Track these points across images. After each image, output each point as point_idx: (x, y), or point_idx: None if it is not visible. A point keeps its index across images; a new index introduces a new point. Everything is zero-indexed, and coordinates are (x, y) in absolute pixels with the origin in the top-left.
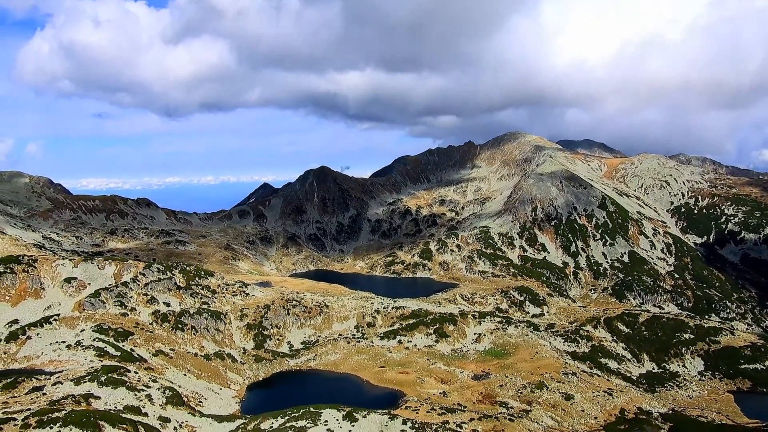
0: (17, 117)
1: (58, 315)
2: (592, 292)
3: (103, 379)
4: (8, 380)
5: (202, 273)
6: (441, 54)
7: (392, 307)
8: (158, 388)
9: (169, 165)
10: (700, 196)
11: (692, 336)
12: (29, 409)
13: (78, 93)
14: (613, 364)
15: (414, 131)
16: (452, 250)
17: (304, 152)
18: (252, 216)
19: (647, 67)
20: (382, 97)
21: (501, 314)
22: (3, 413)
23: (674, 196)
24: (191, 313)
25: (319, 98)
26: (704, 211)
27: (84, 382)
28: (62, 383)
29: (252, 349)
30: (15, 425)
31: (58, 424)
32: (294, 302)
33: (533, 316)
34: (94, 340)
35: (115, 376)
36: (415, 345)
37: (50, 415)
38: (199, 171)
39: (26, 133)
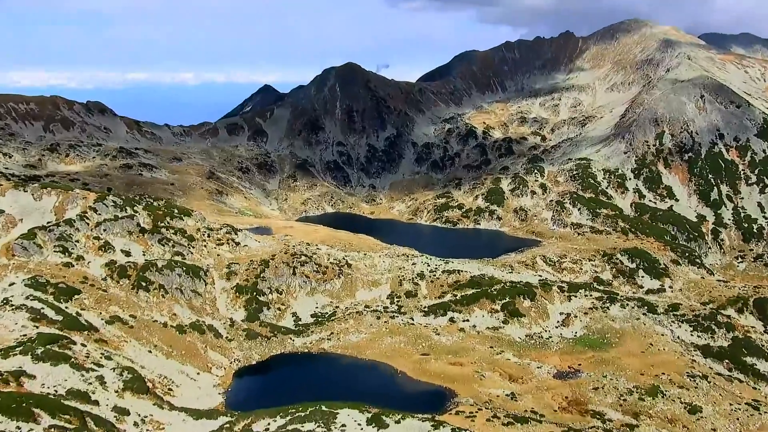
0: None
1: None
2: (739, 260)
3: (39, 352)
4: None
5: (176, 211)
6: None
7: (442, 271)
8: (113, 368)
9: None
10: None
11: None
12: None
13: None
14: (764, 366)
15: (485, 14)
16: (534, 192)
17: (324, 42)
18: (247, 132)
19: None
20: None
21: (601, 287)
22: None
23: None
24: (160, 266)
25: None
26: None
27: (13, 355)
28: None
29: (243, 320)
30: None
31: None
32: (303, 258)
33: (648, 291)
34: (27, 297)
35: (56, 349)
36: (474, 326)
37: None
38: (174, 65)
39: None
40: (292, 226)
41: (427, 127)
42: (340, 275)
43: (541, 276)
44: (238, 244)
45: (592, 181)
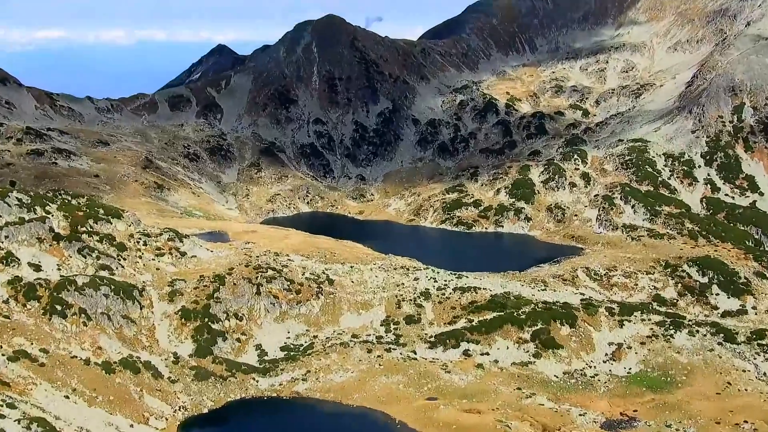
0: None
1: None
2: None
3: None
4: None
5: (101, 212)
6: None
7: (454, 289)
8: (18, 420)
9: (46, 7)
10: None
11: None
12: None
13: None
14: None
15: None
16: (573, 184)
17: None
18: (195, 107)
19: None
20: None
21: (663, 309)
22: None
23: None
24: (80, 285)
25: None
26: None
27: None
28: None
29: (190, 355)
30: None
31: None
32: (270, 273)
33: (725, 314)
34: None
35: None
36: (496, 361)
37: None
38: (99, 21)
39: None
40: (255, 230)
41: (433, 99)
42: (319, 295)
43: (583, 294)
44: (184, 254)
45: (649, 170)
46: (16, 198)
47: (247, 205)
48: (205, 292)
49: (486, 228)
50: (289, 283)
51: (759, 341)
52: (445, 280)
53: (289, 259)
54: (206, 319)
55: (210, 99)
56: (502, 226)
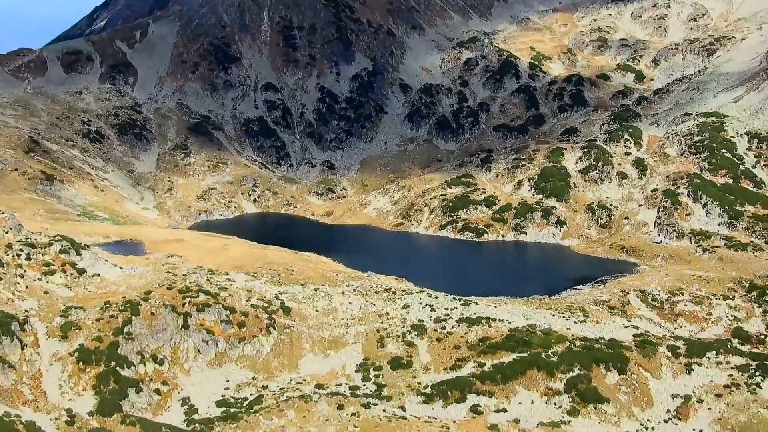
0: None
1: None
2: None
3: None
4: None
5: None
6: None
7: (458, 320)
8: None
9: None
10: None
11: None
12: None
13: None
14: None
15: None
16: (623, 175)
17: None
18: (100, 67)
19: None
20: None
21: (746, 348)
22: None
23: None
24: None
25: None
26: None
27: None
28: None
29: (91, 413)
30: None
31: None
32: (203, 298)
33: None
34: None
35: None
36: (516, 420)
37: None
38: None
39: None
40: (181, 238)
41: (430, 56)
42: (271, 329)
43: (637, 328)
44: (82, 272)
45: (727, 155)
46: None
47: (171, 204)
48: (111, 324)
49: (502, 235)
50: (228, 312)
51: None
52: (447, 309)
53: (229, 279)
54: (113, 363)
55: (119, 56)
56: (525, 233)
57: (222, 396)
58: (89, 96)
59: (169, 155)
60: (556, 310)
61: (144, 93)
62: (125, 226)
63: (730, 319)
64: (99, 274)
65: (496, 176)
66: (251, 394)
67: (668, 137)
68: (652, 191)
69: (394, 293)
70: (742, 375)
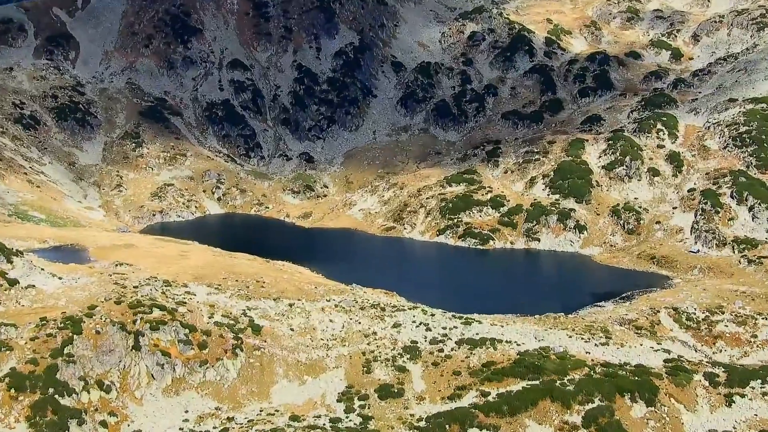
0: None
1: None
2: None
3: None
4: None
5: None
6: None
7: (458, 341)
8: None
9: None
10: None
11: None
12: None
13: None
14: None
15: None
16: (655, 171)
17: None
18: (34, 39)
19: None
20: None
21: None
22: None
23: None
24: None
25: None
26: None
27: None
28: None
29: None
30: None
31: None
32: (157, 314)
33: None
34: None
35: None
36: None
37: None
38: None
39: None
40: (132, 244)
41: (427, 29)
42: (238, 351)
43: (669, 352)
44: (14, 283)
45: None
46: None
47: (119, 203)
48: (49, 345)
49: (511, 242)
50: (187, 331)
51: None
52: (445, 328)
53: (189, 293)
54: (51, 391)
55: (58, 26)
56: (538, 240)
57: (180, 429)
58: (21, 74)
59: (118, 145)
60: (573, 330)
61: (87, 71)
62: (65, 228)
63: None
64: (34, 286)
65: (505, 172)
66: (214, 427)
67: (709, 127)
68: (688, 191)
69: (383, 310)
70: None
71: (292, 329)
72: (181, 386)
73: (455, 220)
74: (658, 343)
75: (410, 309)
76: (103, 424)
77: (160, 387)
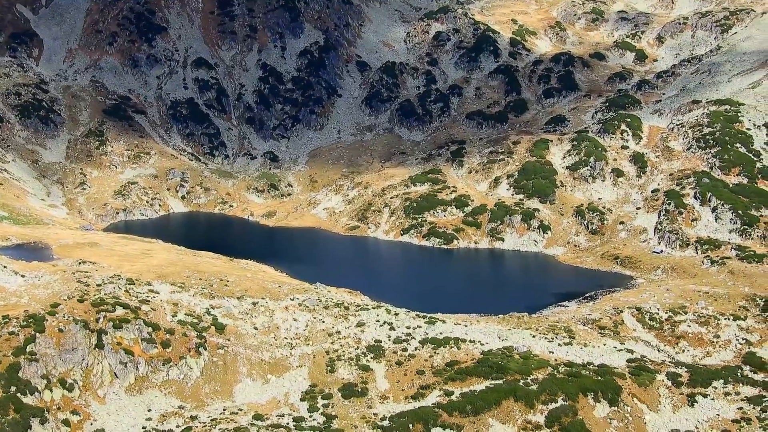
0: None
1: None
2: None
3: None
4: None
5: None
6: None
7: (422, 341)
8: None
9: None
10: None
11: None
12: None
13: None
14: None
15: None
16: (619, 172)
17: None
18: None
19: None
20: None
21: (760, 376)
22: None
23: None
24: None
25: None
26: None
27: None
28: None
29: None
30: None
31: None
32: (120, 312)
33: None
34: None
35: None
36: None
37: None
38: None
39: None
40: (95, 242)
41: (392, 29)
42: (201, 349)
43: (632, 352)
44: None
45: (742, 150)
46: None
47: (83, 201)
48: (11, 343)
49: (476, 242)
50: (150, 329)
51: None
52: (409, 327)
53: (152, 291)
54: (13, 389)
55: (21, 23)
56: (502, 240)
57: (143, 428)
58: None
59: (82, 143)
60: (537, 330)
61: (51, 68)
62: (28, 226)
63: (741, 343)
64: None
65: (469, 172)
66: (177, 426)
67: (673, 128)
68: (652, 192)
69: (347, 309)
70: (754, 408)
71: (255, 328)
72: (144, 385)
73: (419, 220)
74: (621, 343)
75: (374, 308)
76: (66, 422)
77: (123, 385)
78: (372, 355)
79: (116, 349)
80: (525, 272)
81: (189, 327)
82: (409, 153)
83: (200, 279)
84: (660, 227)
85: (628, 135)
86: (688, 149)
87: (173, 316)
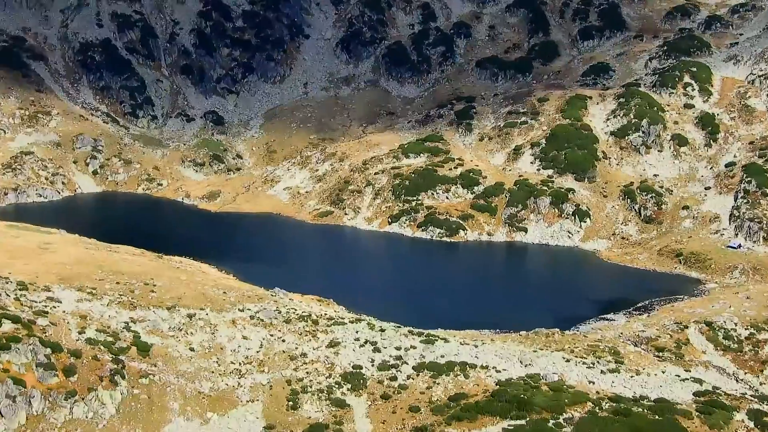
0: None
1: None
2: None
3: None
4: None
5: None
6: None
7: (417, 366)
8: None
9: None
10: None
11: None
12: None
13: None
14: None
15: None
16: (680, 139)
17: None
18: None
19: None
20: None
21: None
22: None
23: None
24: None
25: None
26: None
27: None
28: None
29: None
30: None
31: None
32: (9, 327)
33: None
34: None
35: None
36: None
37: None
38: None
39: None
40: None
41: None
42: (118, 378)
43: (700, 382)
44: None
45: None
46: None
47: None
48: None
49: (489, 233)
50: (49, 351)
51: None
52: (399, 348)
53: (52, 299)
54: None
55: None
56: (525, 230)
57: None
58: None
59: None
60: (572, 352)
61: None
62: None
63: None
64: None
65: (481, 140)
66: None
67: (754, 81)
68: (726, 167)
69: (316, 323)
70: None
71: (192, 349)
72: (39, 426)
73: (413, 204)
74: (686, 370)
75: (352, 322)
76: None
77: (11, 428)
78: (349, 385)
79: (2, 379)
80: (555, 274)
81: (101, 348)
82: (400, 114)
83: (117, 283)
84: (737, 214)
85: (693, 90)
86: None
87: (80, 333)
